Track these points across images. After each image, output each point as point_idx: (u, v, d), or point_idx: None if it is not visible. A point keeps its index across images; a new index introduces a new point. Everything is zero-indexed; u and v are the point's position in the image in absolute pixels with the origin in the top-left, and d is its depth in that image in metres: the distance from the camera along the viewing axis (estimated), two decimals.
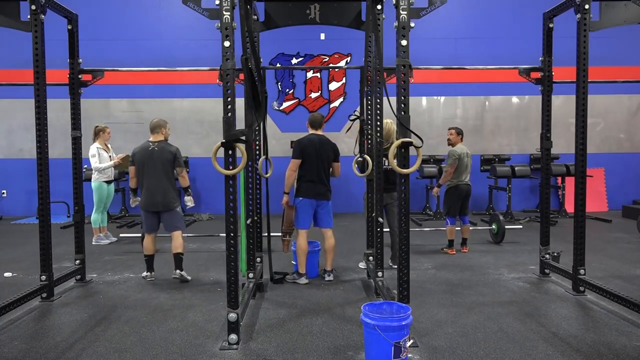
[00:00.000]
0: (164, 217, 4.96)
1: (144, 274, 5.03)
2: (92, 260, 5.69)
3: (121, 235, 7.27)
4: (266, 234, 4.82)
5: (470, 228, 6.50)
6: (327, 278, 4.88)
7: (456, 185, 6.09)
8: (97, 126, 6.77)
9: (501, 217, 6.69)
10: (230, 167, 3.21)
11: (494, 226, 6.75)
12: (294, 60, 9.76)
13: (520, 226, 7.69)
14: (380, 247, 4.43)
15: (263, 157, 4.82)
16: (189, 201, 5.19)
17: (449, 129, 6.32)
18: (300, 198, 4.79)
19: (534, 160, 9.62)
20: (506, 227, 6.72)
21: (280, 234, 5.00)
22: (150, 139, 4.96)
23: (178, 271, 4.93)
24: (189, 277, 4.93)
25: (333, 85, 9.83)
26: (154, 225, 4.99)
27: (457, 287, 4.62)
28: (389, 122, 5.15)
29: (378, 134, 4.38)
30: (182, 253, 4.96)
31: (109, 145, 6.89)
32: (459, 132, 6.23)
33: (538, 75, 4.97)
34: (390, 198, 5.29)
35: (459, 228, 6.26)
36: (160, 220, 4.99)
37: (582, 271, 4.31)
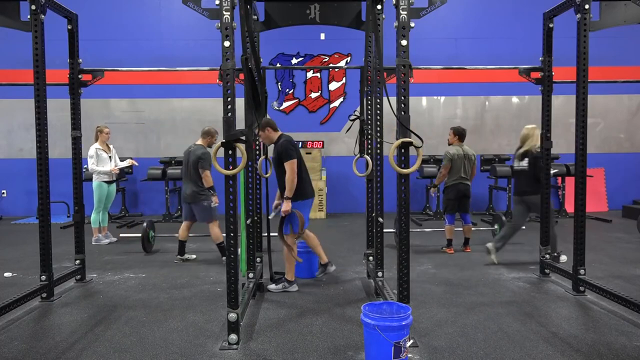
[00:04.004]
0: (194, 209, 5.62)
1: (177, 256, 5.74)
2: (92, 260, 5.69)
3: (121, 235, 7.27)
4: (266, 234, 4.81)
5: (473, 229, 6.47)
6: (330, 269, 4.79)
7: (452, 185, 6.07)
8: (97, 126, 6.79)
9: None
10: (230, 167, 3.21)
11: (496, 227, 6.67)
12: (294, 60, 9.76)
13: (524, 227, 7.64)
14: (380, 247, 4.42)
15: (263, 157, 4.81)
16: (212, 201, 5.68)
17: (450, 128, 6.30)
18: (306, 199, 4.63)
19: None
20: None
21: (277, 234, 4.93)
22: (196, 142, 5.69)
23: (224, 258, 5.41)
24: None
25: (333, 85, 9.83)
26: (187, 215, 5.72)
27: (457, 287, 4.62)
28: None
29: (378, 134, 4.37)
30: (221, 242, 5.61)
31: (111, 146, 6.90)
32: (456, 132, 6.13)
33: (538, 75, 4.97)
34: (535, 199, 5.23)
35: (461, 228, 6.25)
36: (193, 212, 5.65)
37: (582, 271, 4.32)
